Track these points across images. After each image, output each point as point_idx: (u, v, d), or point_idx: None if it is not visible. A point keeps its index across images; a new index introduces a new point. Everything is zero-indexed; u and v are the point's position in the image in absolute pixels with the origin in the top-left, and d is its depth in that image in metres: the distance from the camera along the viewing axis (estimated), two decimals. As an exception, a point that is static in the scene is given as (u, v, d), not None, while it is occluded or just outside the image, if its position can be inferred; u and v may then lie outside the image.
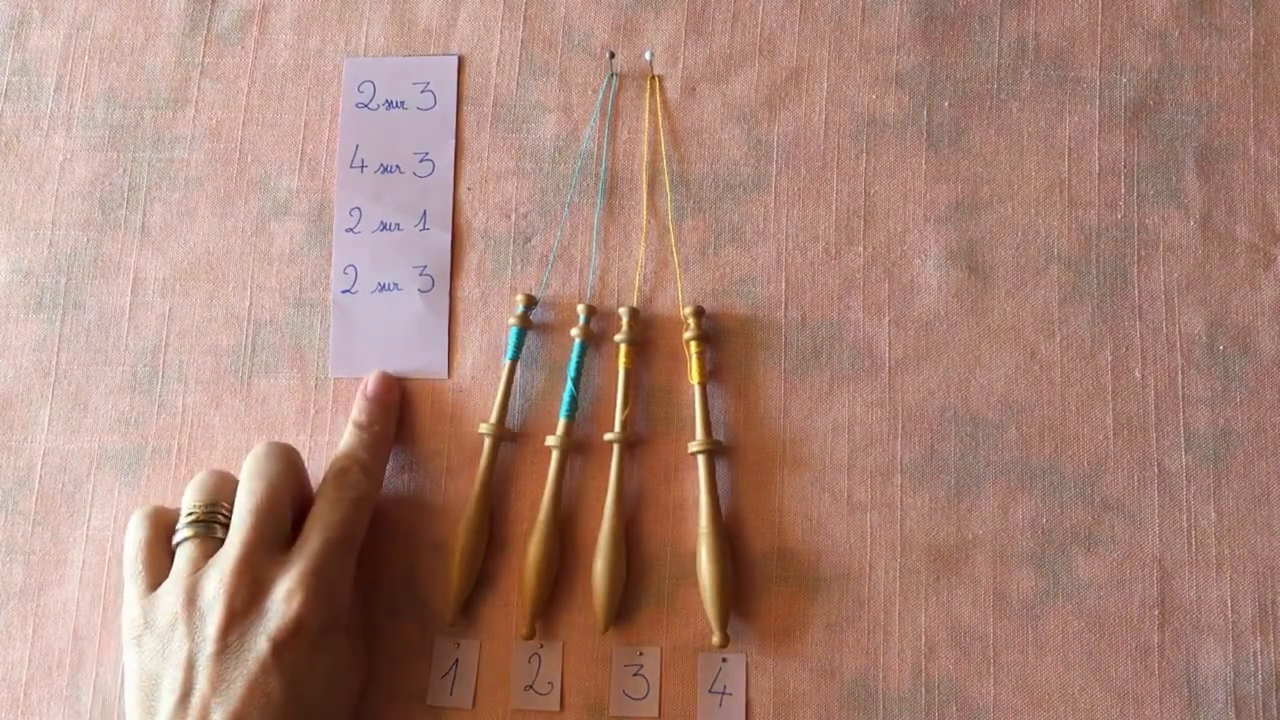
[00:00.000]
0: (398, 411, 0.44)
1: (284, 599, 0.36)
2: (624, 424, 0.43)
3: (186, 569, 0.38)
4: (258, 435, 0.45)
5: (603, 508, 0.43)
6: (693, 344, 0.44)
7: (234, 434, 0.45)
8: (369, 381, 0.44)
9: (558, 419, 0.44)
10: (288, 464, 0.40)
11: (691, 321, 0.44)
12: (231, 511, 0.39)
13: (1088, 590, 0.42)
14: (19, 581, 0.44)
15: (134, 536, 0.39)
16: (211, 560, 0.38)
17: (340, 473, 0.41)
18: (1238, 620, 0.42)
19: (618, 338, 0.44)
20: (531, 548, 0.42)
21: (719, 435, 0.44)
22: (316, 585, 0.37)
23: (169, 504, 0.44)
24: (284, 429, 0.45)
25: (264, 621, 0.36)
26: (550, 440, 0.43)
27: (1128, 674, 0.42)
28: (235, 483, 0.40)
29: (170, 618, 0.37)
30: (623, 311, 0.44)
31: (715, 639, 0.41)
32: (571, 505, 0.44)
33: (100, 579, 0.44)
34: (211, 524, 0.39)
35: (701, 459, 0.43)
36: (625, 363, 0.44)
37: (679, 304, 0.45)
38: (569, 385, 0.44)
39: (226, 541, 0.38)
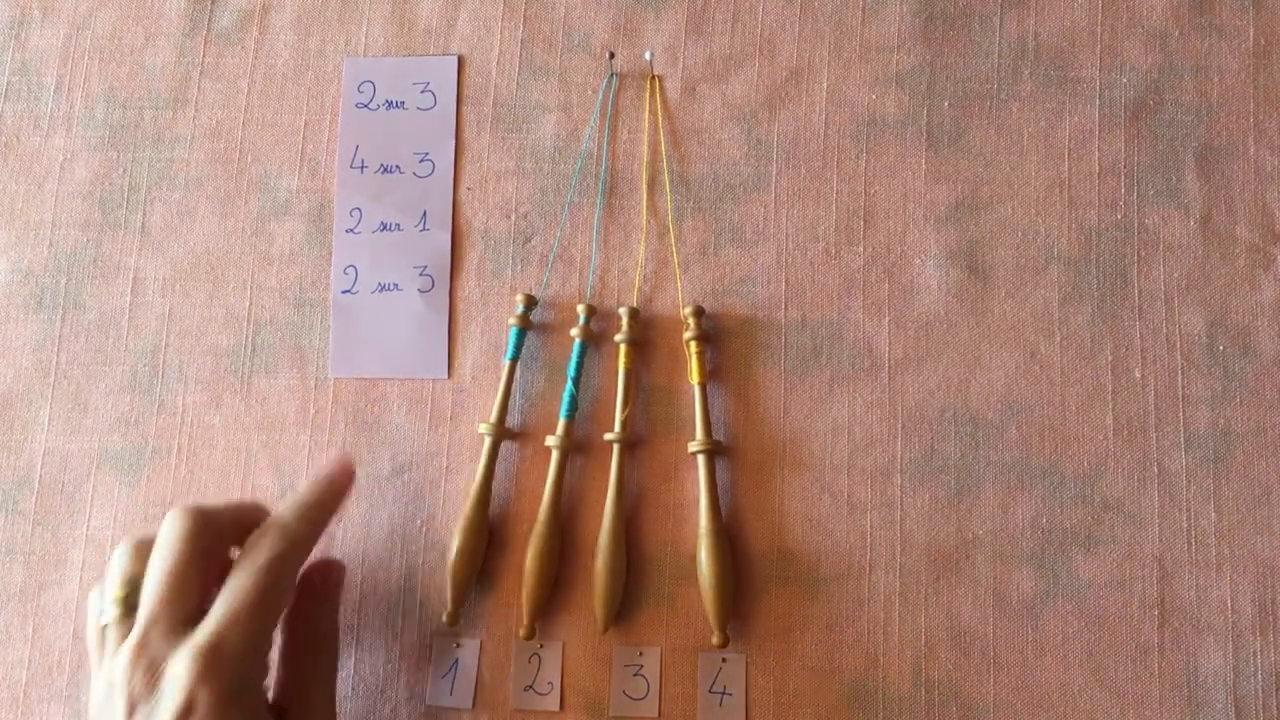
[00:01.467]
0: (341, 496, 0.39)
1: (170, 681, 0.33)
2: (624, 424, 0.43)
3: (109, 653, 0.35)
4: (257, 435, 0.45)
5: (603, 508, 0.43)
6: (692, 344, 0.44)
7: (234, 434, 0.45)
8: (328, 461, 0.41)
9: (558, 419, 0.44)
10: (193, 531, 0.36)
11: (691, 321, 0.44)
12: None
13: (1088, 590, 0.42)
14: (19, 581, 0.44)
15: (89, 615, 0.37)
16: (120, 645, 0.35)
17: (257, 535, 0.37)
18: (1238, 620, 0.42)
19: (618, 338, 0.44)
20: (531, 548, 0.42)
21: (719, 435, 0.44)
22: (210, 661, 0.33)
23: (167, 504, 0.44)
24: (284, 429, 0.45)
25: (158, 706, 0.33)
26: (550, 440, 0.43)
27: (1128, 674, 0.42)
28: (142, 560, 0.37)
29: (97, 705, 0.35)
30: (623, 311, 0.44)
31: (715, 639, 0.41)
32: (571, 505, 0.44)
33: (100, 579, 0.44)
34: (130, 602, 0.36)
35: (701, 459, 0.43)
36: (625, 363, 0.44)
37: (679, 304, 0.45)
38: (569, 385, 0.44)
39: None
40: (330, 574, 0.41)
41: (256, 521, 0.37)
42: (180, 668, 0.33)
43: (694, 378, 0.44)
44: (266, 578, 0.35)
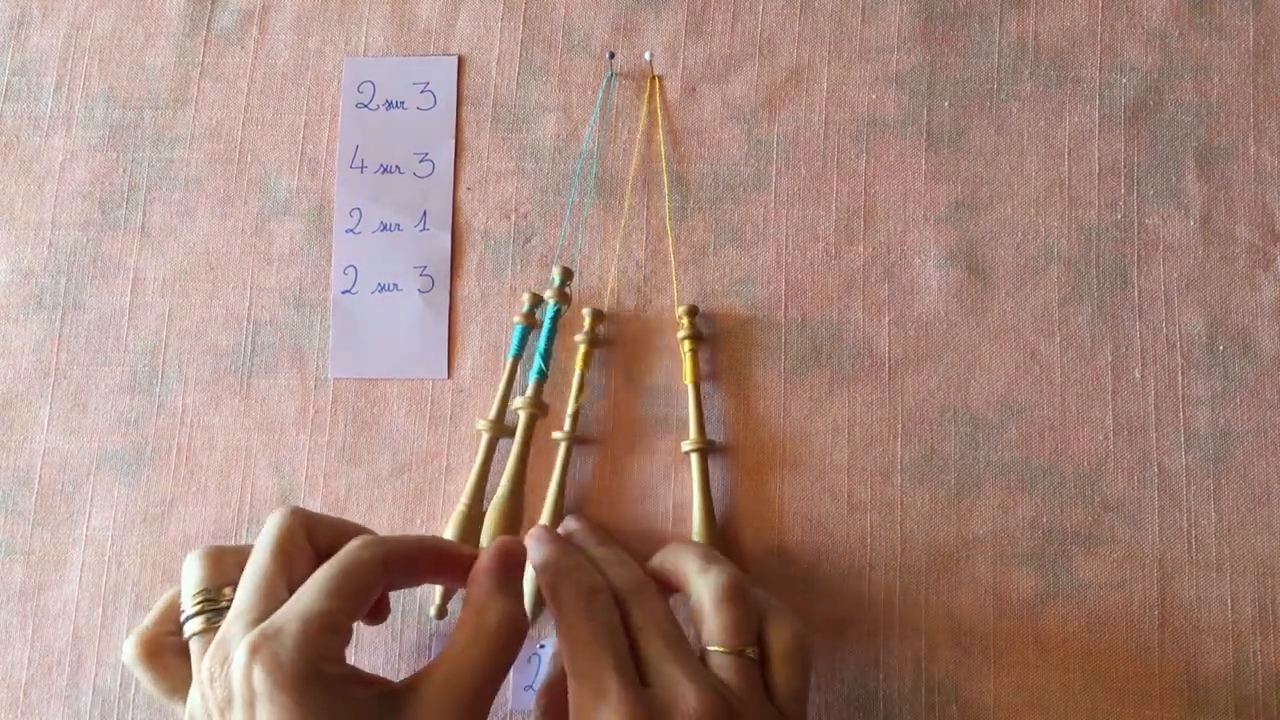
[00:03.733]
0: (461, 561, 0.37)
1: (234, 668, 0.31)
2: (573, 419, 0.43)
3: (195, 660, 0.34)
4: (257, 435, 0.45)
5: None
6: (686, 343, 0.44)
7: (234, 434, 0.45)
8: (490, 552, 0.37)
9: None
10: (286, 530, 0.35)
11: (685, 321, 0.44)
12: (233, 592, 0.35)
13: (1088, 590, 0.42)
14: (19, 581, 0.44)
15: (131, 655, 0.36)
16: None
17: (353, 539, 0.35)
18: (1238, 620, 0.42)
19: (577, 338, 0.44)
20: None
21: (719, 435, 0.44)
22: (262, 641, 0.31)
23: (167, 504, 0.44)
24: (284, 429, 0.45)
25: (230, 698, 0.31)
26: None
27: (1128, 674, 0.42)
28: (233, 560, 0.36)
29: (190, 712, 0.33)
30: (586, 312, 0.44)
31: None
32: (571, 504, 0.44)
33: (100, 579, 0.44)
34: (218, 613, 0.35)
35: (695, 458, 0.43)
36: (581, 365, 0.44)
37: (674, 303, 0.45)
38: (538, 360, 0.43)
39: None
40: (508, 556, 0.36)
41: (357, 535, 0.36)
42: (239, 652, 0.32)
43: (687, 378, 0.44)
44: (337, 572, 0.33)
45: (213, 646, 0.32)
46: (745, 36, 0.47)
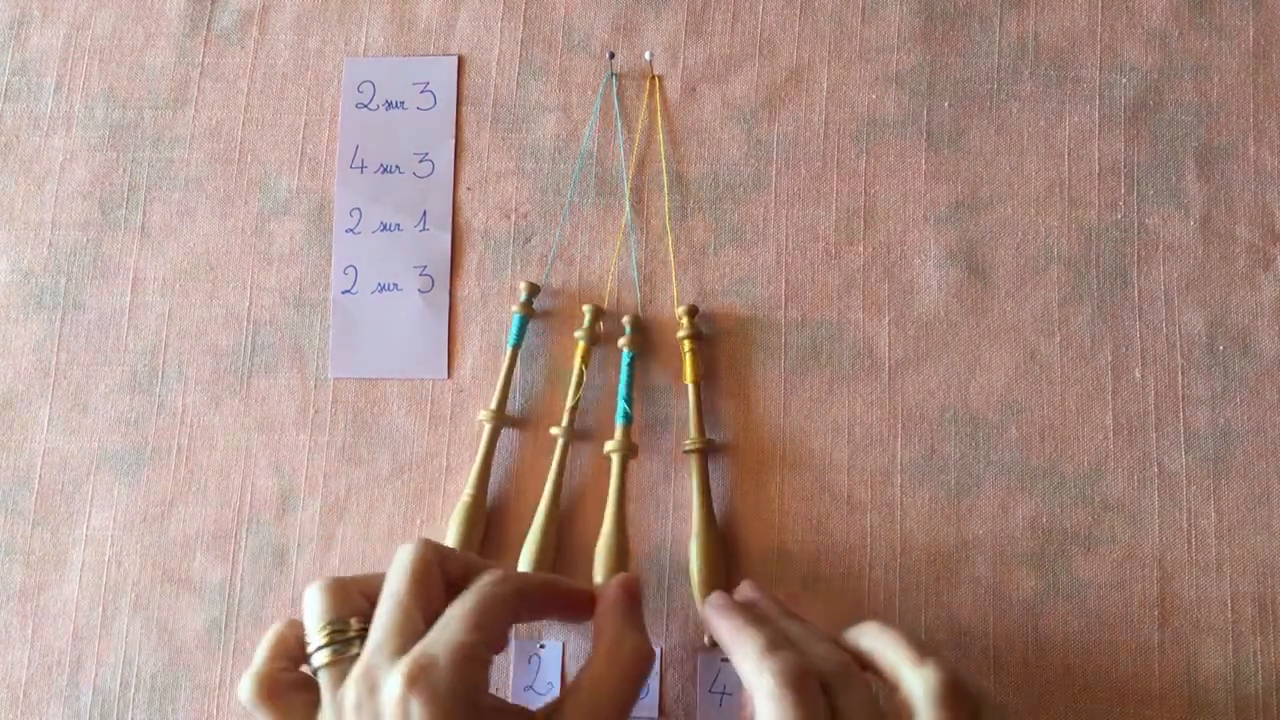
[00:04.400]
0: (584, 603, 0.38)
1: (386, 696, 0.32)
2: (570, 415, 0.43)
3: (327, 691, 0.34)
4: (257, 435, 0.45)
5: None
6: (686, 343, 0.44)
7: (234, 434, 0.45)
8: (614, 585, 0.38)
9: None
10: (421, 562, 0.35)
11: (685, 321, 0.44)
12: (365, 623, 0.35)
13: (1088, 590, 0.42)
14: (19, 581, 0.44)
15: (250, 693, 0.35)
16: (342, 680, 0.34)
17: (486, 573, 0.36)
18: (1238, 620, 0.42)
19: (577, 334, 0.44)
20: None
21: (719, 435, 0.44)
22: (418, 671, 0.32)
23: (167, 504, 0.44)
24: (284, 429, 0.45)
25: None
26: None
27: (1128, 674, 0.42)
28: (357, 591, 0.36)
29: None
30: (586, 309, 0.44)
31: (707, 639, 0.41)
32: (572, 503, 0.44)
33: (100, 579, 0.44)
34: (347, 642, 0.35)
35: (694, 459, 0.43)
36: (580, 361, 0.44)
37: (674, 303, 0.45)
38: (622, 404, 0.44)
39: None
40: (631, 592, 0.37)
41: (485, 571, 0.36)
42: (392, 681, 0.32)
43: (687, 377, 0.44)
44: (478, 606, 0.34)
45: (357, 675, 0.33)
46: (745, 36, 0.47)
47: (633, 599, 0.37)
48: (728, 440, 0.44)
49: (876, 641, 0.35)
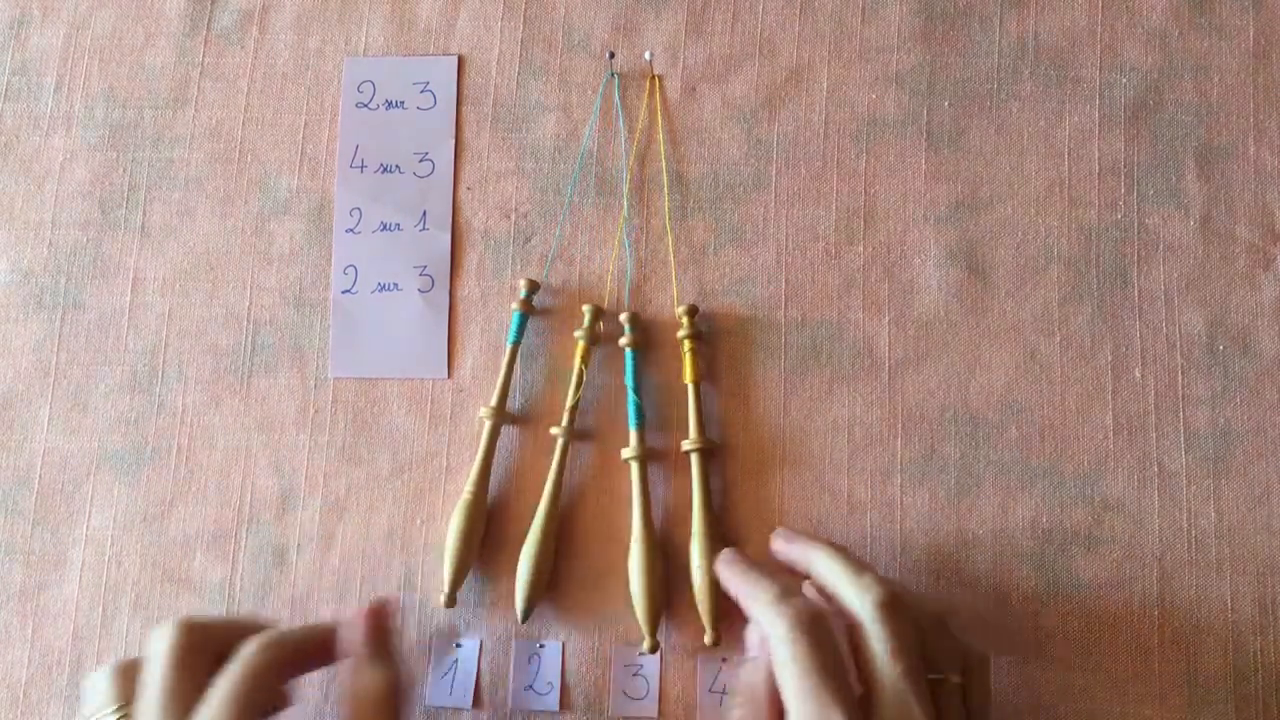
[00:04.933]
0: (339, 634, 0.39)
1: None
2: (570, 415, 0.43)
3: None
4: (257, 435, 0.45)
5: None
6: (686, 343, 0.44)
7: (234, 434, 0.45)
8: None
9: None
10: (182, 642, 0.36)
11: (685, 321, 0.44)
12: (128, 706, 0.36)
13: (1088, 590, 0.42)
14: (19, 581, 0.44)
15: None
16: None
17: (243, 643, 0.36)
18: (1238, 620, 0.42)
19: (577, 334, 0.44)
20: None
21: (718, 435, 0.44)
22: None
23: (167, 504, 0.44)
24: (283, 429, 0.45)
25: None
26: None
27: (1128, 674, 0.42)
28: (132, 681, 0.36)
29: None
30: (586, 309, 0.44)
31: (707, 638, 0.41)
32: (572, 503, 0.44)
33: (100, 579, 0.44)
34: None
35: (695, 458, 0.43)
36: (580, 360, 0.44)
37: (674, 303, 0.45)
38: (631, 395, 0.44)
39: None
40: (375, 620, 0.39)
41: (253, 633, 0.37)
42: None
43: (687, 377, 0.44)
44: (239, 681, 0.35)
45: None
46: (745, 36, 0.47)
47: (377, 627, 0.38)
48: (727, 440, 0.44)
49: (820, 566, 0.37)
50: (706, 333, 0.45)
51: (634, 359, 0.44)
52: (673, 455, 0.44)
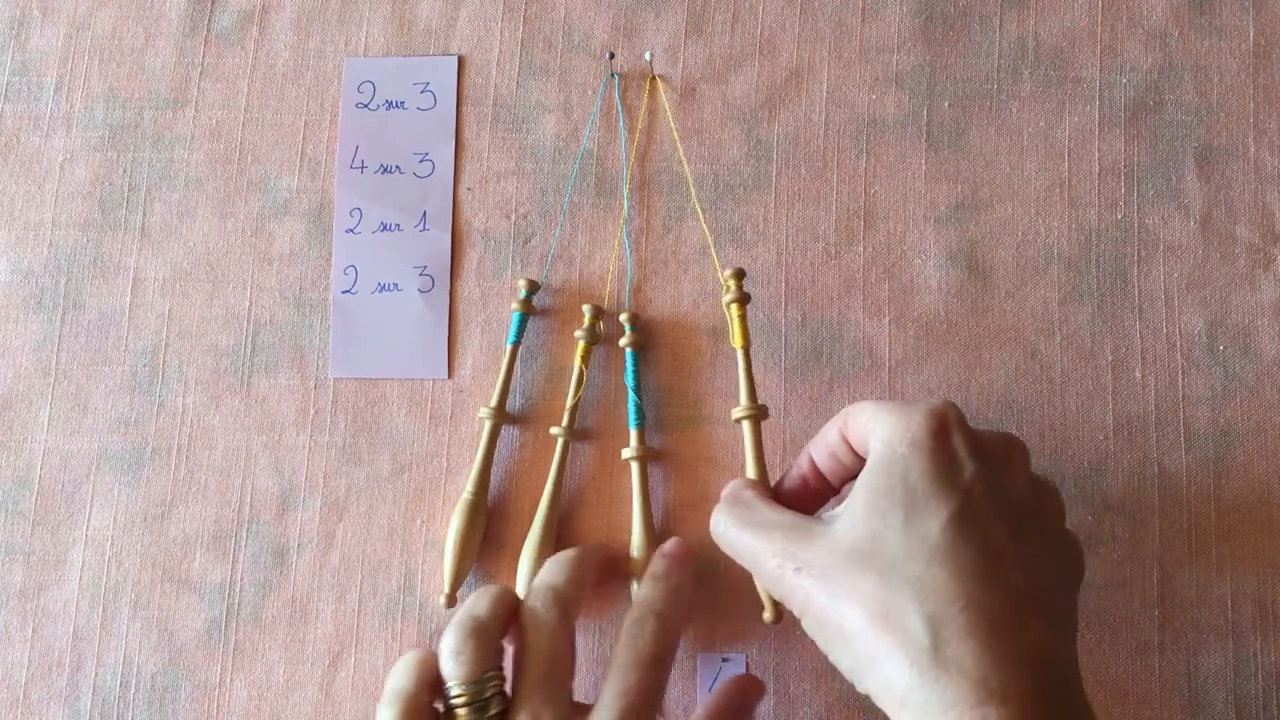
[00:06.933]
0: (694, 572, 0.40)
1: None
2: (571, 415, 0.43)
3: None
4: (257, 435, 0.45)
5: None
6: (734, 307, 0.42)
7: (234, 434, 0.45)
8: (670, 542, 0.40)
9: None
10: (566, 613, 0.36)
11: (732, 284, 0.42)
12: (502, 679, 0.35)
13: (1088, 590, 0.42)
14: (19, 581, 0.44)
15: None
16: None
17: (635, 623, 0.36)
18: (1238, 620, 0.42)
19: (577, 334, 0.44)
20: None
21: (717, 435, 0.44)
22: None
23: (167, 504, 0.44)
24: (284, 429, 0.45)
25: None
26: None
27: (1128, 674, 0.42)
28: (494, 640, 0.36)
29: None
30: (586, 309, 0.44)
31: (767, 615, 0.40)
32: (572, 503, 0.44)
33: (100, 579, 0.44)
34: (485, 702, 0.34)
35: (747, 424, 0.41)
36: (580, 361, 0.44)
37: (715, 272, 0.45)
38: (631, 395, 0.43)
39: None
40: (750, 693, 0.39)
41: (611, 573, 0.38)
42: None
43: (737, 341, 0.42)
44: (652, 675, 0.35)
45: None
46: (745, 36, 0.47)
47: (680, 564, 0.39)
48: (728, 440, 0.44)
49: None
50: (749, 295, 0.43)
51: (634, 359, 0.44)
52: (677, 457, 0.44)
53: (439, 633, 0.43)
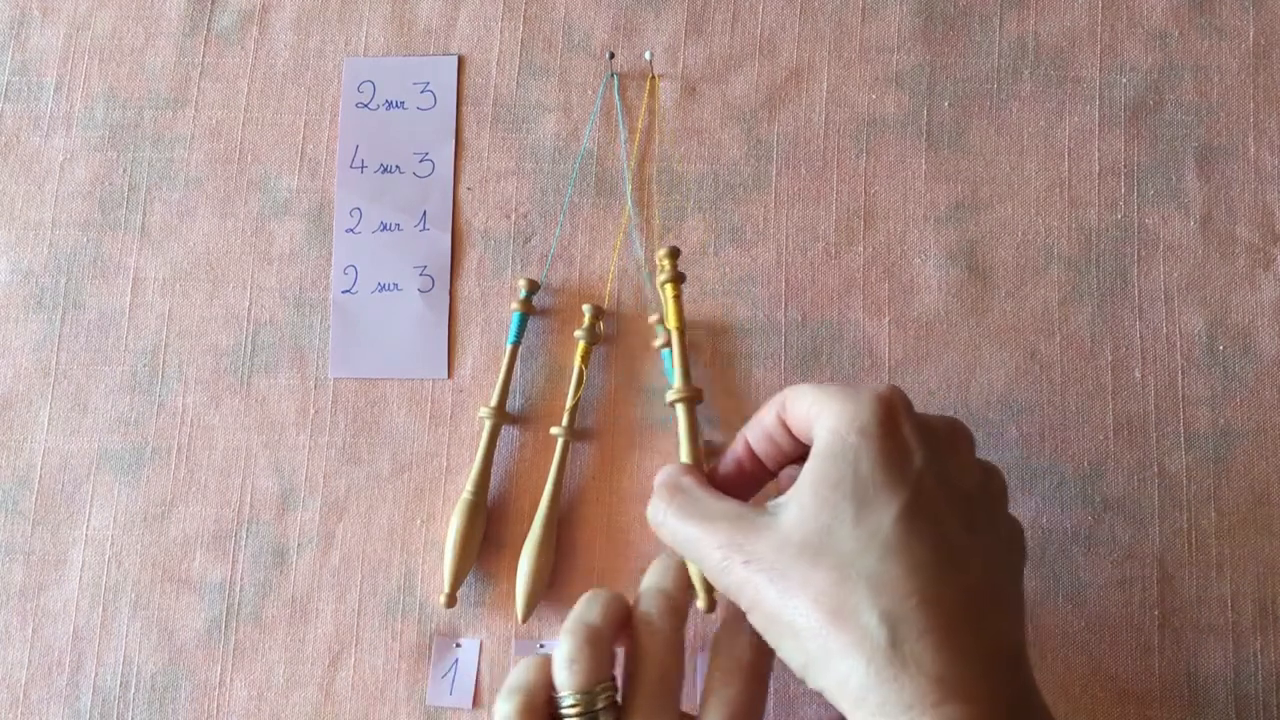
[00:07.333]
0: None
1: None
2: (571, 415, 0.43)
3: None
4: (257, 435, 0.45)
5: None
6: (668, 288, 0.42)
7: (234, 434, 0.45)
8: None
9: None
10: (678, 623, 0.35)
11: (666, 264, 0.42)
12: (614, 689, 0.34)
13: (1088, 590, 0.42)
14: (19, 581, 0.44)
15: None
16: None
17: (729, 634, 0.35)
18: (1238, 620, 0.42)
19: (577, 333, 0.44)
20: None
21: (717, 436, 0.44)
22: None
23: (167, 504, 0.44)
24: (284, 429, 0.45)
25: None
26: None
27: (1128, 674, 0.42)
28: (608, 649, 0.34)
29: None
30: (586, 309, 0.44)
31: (700, 603, 0.39)
32: (572, 504, 0.44)
33: (100, 579, 0.44)
34: (595, 714, 0.33)
35: (680, 408, 0.40)
36: (580, 360, 0.44)
37: (652, 249, 0.44)
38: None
39: None
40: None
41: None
42: None
43: (671, 322, 0.41)
44: (755, 683, 0.34)
45: None
46: (745, 36, 0.47)
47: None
48: (727, 440, 0.44)
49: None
50: (684, 275, 0.42)
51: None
52: (673, 456, 0.44)
53: (439, 633, 0.43)
